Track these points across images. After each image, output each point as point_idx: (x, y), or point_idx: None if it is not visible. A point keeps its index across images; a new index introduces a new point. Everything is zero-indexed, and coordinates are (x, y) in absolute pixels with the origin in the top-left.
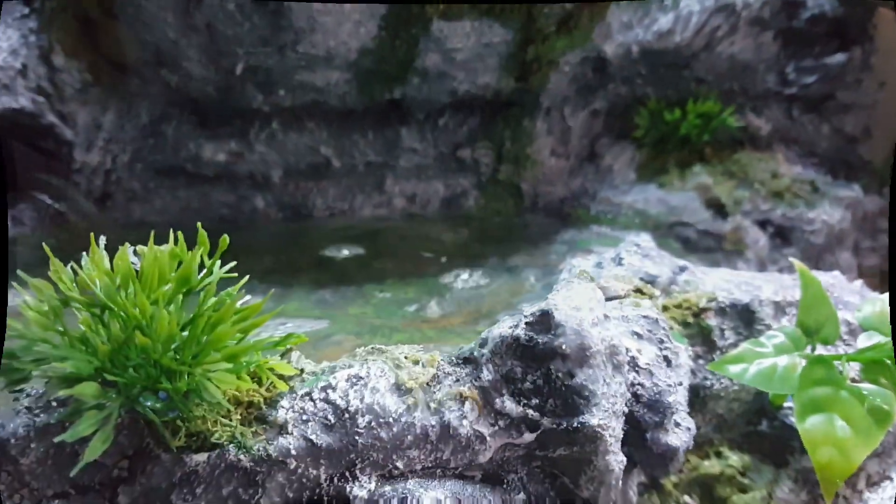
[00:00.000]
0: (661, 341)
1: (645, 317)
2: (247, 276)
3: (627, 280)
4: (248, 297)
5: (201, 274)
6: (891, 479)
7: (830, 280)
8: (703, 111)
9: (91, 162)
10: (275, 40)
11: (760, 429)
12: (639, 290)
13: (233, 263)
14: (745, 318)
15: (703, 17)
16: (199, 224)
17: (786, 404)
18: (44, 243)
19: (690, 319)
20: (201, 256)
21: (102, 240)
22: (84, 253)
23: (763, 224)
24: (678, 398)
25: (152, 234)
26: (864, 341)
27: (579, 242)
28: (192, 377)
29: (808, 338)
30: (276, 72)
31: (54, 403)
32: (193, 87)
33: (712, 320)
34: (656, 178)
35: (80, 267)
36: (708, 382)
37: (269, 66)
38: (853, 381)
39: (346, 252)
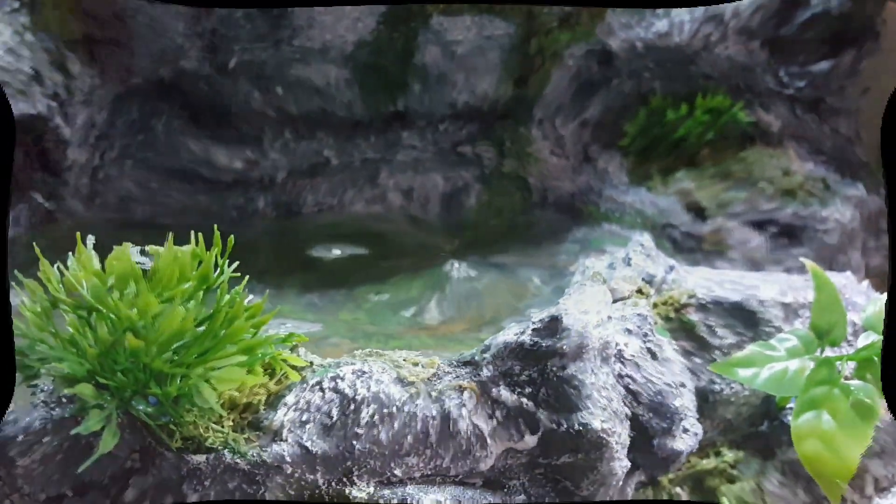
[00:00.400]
0: (646, 335)
1: (638, 314)
2: (247, 277)
3: (633, 281)
4: (251, 297)
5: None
6: None
7: (843, 281)
8: (714, 106)
9: (80, 159)
10: (271, 36)
11: (761, 429)
12: (640, 291)
13: (236, 263)
14: (744, 318)
15: (694, 26)
16: (215, 226)
17: (789, 405)
18: (34, 243)
19: (672, 315)
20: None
21: (91, 240)
22: (70, 253)
23: (760, 224)
24: (685, 402)
25: (170, 235)
26: (862, 341)
27: (592, 241)
28: (187, 379)
29: (818, 340)
30: (270, 65)
31: (64, 400)
32: (185, 82)
33: (693, 316)
34: (644, 182)
35: (67, 268)
36: (717, 387)
37: (264, 60)
38: (846, 378)
39: (337, 252)
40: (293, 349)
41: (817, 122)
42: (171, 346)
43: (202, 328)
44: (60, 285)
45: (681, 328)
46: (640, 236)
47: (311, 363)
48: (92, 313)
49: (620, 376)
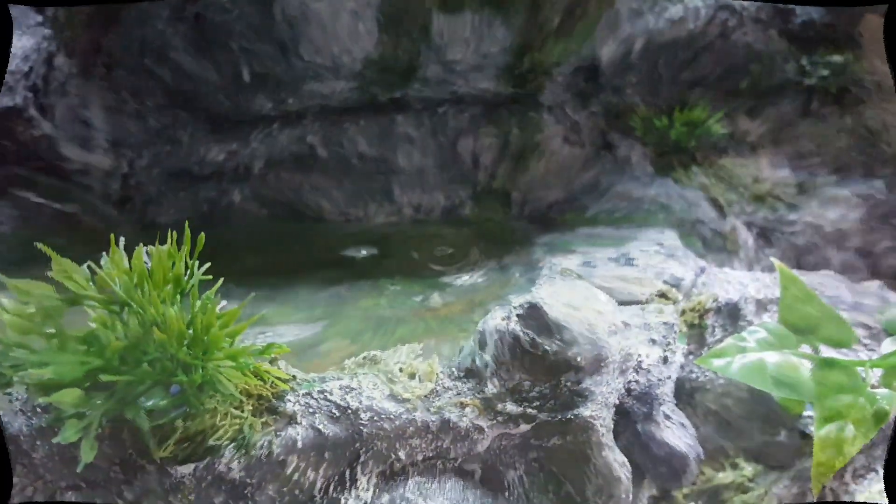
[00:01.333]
0: (668, 344)
1: (665, 323)
2: (220, 280)
3: (647, 283)
4: (224, 303)
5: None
6: (876, 471)
7: (818, 279)
8: (689, 119)
9: (72, 156)
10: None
11: (778, 439)
12: (663, 295)
13: (207, 265)
14: (733, 315)
15: (709, 12)
16: (186, 222)
17: (805, 413)
18: (35, 243)
19: (696, 321)
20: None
21: (122, 241)
22: (105, 253)
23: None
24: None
25: (158, 234)
26: (888, 346)
27: (560, 244)
28: (206, 370)
29: (799, 336)
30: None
31: (39, 410)
32: (174, 74)
33: (710, 319)
34: (670, 172)
35: (99, 266)
36: (693, 375)
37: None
38: (873, 387)
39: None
40: (272, 362)
41: (837, 114)
42: (183, 343)
43: (191, 331)
44: (90, 283)
45: (697, 333)
46: (659, 234)
47: (294, 377)
48: (124, 308)
49: (628, 381)
